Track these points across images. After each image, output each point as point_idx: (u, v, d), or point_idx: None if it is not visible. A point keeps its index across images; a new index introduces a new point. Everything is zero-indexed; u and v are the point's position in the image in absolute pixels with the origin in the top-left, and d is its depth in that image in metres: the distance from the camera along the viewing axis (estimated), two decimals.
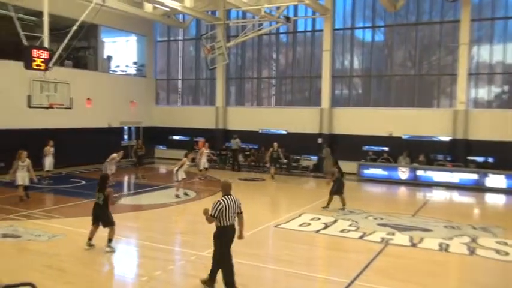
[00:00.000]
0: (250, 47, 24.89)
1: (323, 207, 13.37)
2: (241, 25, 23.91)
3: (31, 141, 16.20)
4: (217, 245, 6.93)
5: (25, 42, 15.65)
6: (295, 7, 22.62)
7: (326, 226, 11.51)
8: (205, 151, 19.12)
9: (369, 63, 22.28)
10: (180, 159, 15.43)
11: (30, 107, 15.23)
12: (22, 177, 13.01)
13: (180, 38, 26.96)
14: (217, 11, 24.34)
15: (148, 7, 22.29)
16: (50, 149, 16.80)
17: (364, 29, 22.31)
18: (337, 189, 13.44)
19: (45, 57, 14.99)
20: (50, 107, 15.77)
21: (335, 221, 12.02)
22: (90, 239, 9.11)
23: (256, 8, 20.06)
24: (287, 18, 21.28)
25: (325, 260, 9.60)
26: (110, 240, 9.06)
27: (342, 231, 11.08)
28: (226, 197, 6.95)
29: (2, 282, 4.81)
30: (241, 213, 7.17)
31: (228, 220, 6.85)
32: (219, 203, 6.82)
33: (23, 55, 14.93)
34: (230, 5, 20.83)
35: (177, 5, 20.18)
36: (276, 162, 20.03)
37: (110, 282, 7.82)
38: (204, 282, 7.14)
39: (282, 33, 24.20)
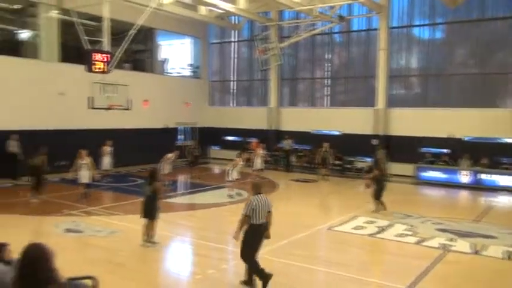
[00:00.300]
0: (303, 47, 24.72)
1: (373, 211, 13.04)
2: (294, 25, 23.79)
3: (91, 140, 16.95)
4: (249, 243, 7.02)
5: (87, 46, 16.39)
6: (349, 6, 22.20)
7: (381, 230, 11.19)
8: (260, 152, 19.18)
9: (427, 62, 21.44)
10: (233, 160, 15.56)
11: (91, 108, 15.97)
12: (83, 175, 13.53)
13: (233, 39, 27.25)
14: (270, 12, 24.38)
15: (203, 10, 22.69)
16: (107, 149, 17.43)
17: (422, 26, 21.52)
18: (380, 192, 13.07)
19: (105, 60, 15.66)
20: (110, 108, 16.47)
21: (391, 225, 11.66)
22: (146, 234, 9.35)
23: (309, 8, 19.87)
24: (341, 18, 20.94)
25: (379, 265, 9.32)
26: (151, 236, 9.28)
27: (398, 235, 10.72)
28: (257, 196, 7.12)
29: (65, 275, 5.02)
30: (271, 212, 7.27)
31: (259, 218, 7.01)
32: (251, 202, 7.00)
33: (84, 59, 15.68)
34: (283, 5, 20.79)
35: (230, 7, 20.41)
36: (326, 163, 19.76)
37: (165, 278, 8.00)
38: (244, 282, 7.18)
39: (335, 32, 23.85)
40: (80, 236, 10.08)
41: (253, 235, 7.04)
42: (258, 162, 18.86)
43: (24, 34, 19.74)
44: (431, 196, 17.87)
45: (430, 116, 20.44)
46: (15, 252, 3.91)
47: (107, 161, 17.41)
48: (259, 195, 7.15)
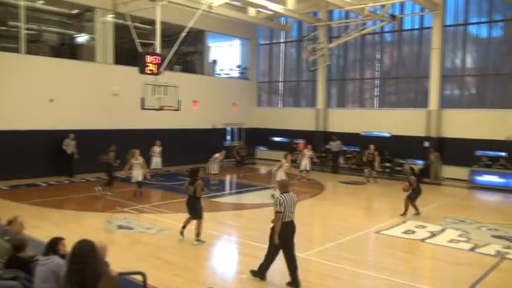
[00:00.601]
0: (352, 47, 24.33)
1: (415, 214, 12.71)
2: (344, 25, 23.47)
3: (142, 140, 17.47)
4: (278, 238, 7.12)
5: (140, 49, 16.92)
6: (402, 4, 21.63)
7: (433, 235, 10.81)
8: (307, 153, 19.02)
9: (485, 61, 20.51)
10: (280, 160, 15.54)
11: (143, 108, 16.46)
12: (137, 174, 13.85)
13: (282, 40, 27.26)
14: (320, 12, 24.18)
15: (252, 11, 22.85)
16: (156, 149, 17.82)
17: (480, 24, 20.61)
18: (415, 197, 12.73)
19: (157, 62, 16.10)
20: (161, 108, 16.91)
21: (443, 230, 11.25)
22: (183, 227, 9.71)
23: (360, 8, 19.53)
24: (393, 17, 20.44)
25: (431, 271, 9.00)
26: (197, 234, 9.46)
27: (451, 241, 10.32)
28: (285, 194, 7.23)
29: (116, 269, 5.19)
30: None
31: (287, 216, 7.14)
32: (281, 200, 7.11)
33: (137, 61, 16.19)
34: (333, 5, 20.56)
35: (279, 8, 20.41)
36: (371, 165, 19.33)
37: (211, 276, 8.10)
38: (289, 284, 7.22)
39: (386, 32, 23.30)
40: (131, 232, 10.41)
41: (284, 232, 7.13)
42: (305, 164, 18.75)
43: (81, 38, 20.64)
44: (487, 201, 17.06)
45: (487, 118, 19.53)
46: (70, 246, 4.08)
47: (156, 161, 17.84)
48: (286, 194, 7.25)
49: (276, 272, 7.60)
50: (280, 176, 14.78)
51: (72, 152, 17.74)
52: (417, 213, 12.75)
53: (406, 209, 12.71)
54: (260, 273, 7.45)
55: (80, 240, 3.90)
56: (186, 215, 9.77)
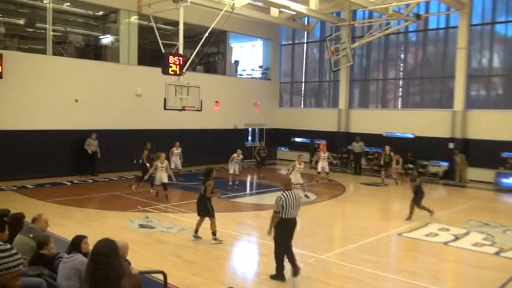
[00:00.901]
0: (375, 47, 24.05)
1: (430, 215, 12.36)
2: (367, 25, 23.23)
3: (165, 140, 17.66)
4: (280, 236, 7.45)
5: (163, 49, 17.09)
6: (427, 3, 21.28)
7: (456, 238, 10.62)
8: (323, 154, 18.76)
9: None
10: (293, 161, 15.56)
11: (166, 109, 16.62)
12: (162, 177, 13.74)
13: (304, 40, 27.16)
14: (343, 12, 24.00)
15: (274, 12, 22.82)
16: (175, 151, 17.60)
17: (508, 23, 20.08)
18: (419, 200, 12.40)
19: (180, 63, 16.24)
20: (183, 109, 17.03)
21: (467, 233, 11.03)
22: (196, 231, 9.77)
23: (384, 7, 19.30)
24: (417, 16, 20.15)
25: (454, 275, 8.84)
26: (213, 233, 9.54)
27: (475, 244, 10.11)
28: (286, 191, 7.47)
29: (137, 268, 5.27)
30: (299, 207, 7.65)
31: (289, 213, 7.36)
32: (280, 198, 7.37)
33: (161, 61, 16.36)
34: (356, 5, 20.38)
35: (302, 8, 20.33)
36: (388, 166, 19.12)
37: (230, 276, 8.13)
38: (273, 277, 7.53)
39: (411, 31, 22.95)
40: (152, 231, 10.53)
41: (284, 229, 7.42)
42: (321, 166, 18.46)
43: (106, 39, 21.00)
44: None
45: None
46: (92, 244, 4.15)
47: (176, 162, 17.62)
48: (288, 191, 7.48)
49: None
50: (295, 177, 14.62)
51: (94, 151, 17.98)
52: (431, 213, 12.40)
53: (410, 213, 12.37)
54: (278, 275, 7.52)
55: (101, 239, 3.96)
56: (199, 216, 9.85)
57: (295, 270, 7.46)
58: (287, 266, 7.51)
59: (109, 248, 3.90)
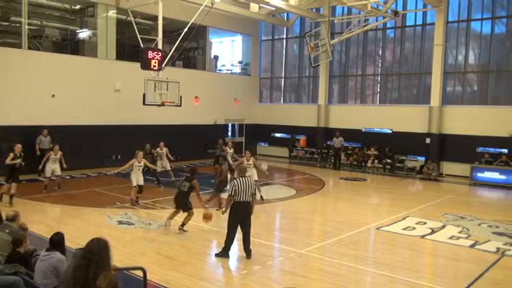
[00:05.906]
0: (354, 43, 24.27)
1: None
2: (346, 21, 23.39)
3: (144, 136, 17.48)
4: (231, 218, 8.26)
5: (142, 44, 16.89)
6: (404, 0, 21.55)
7: (433, 231, 10.83)
8: (229, 151, 16.70)
9: (488, 58, 20.44)
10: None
11: (145, 104, 16.44)
12: (137, 179, 12.69)
13: (284, 36, 27.20)
14: (322, 8, 24.11)
15: (254, 7, 22.77)
16: (159, 151, 16.14)
17: (483, 20, 20.51)
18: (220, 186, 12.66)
19: (159, 58, 16.08)
20: (162, 104, 16.87)
21: (443, 227, 11.26)
22: (170, 218, 10.27)
23: (363, 4, 19.45)
24: (395, 13, 20.38)
25: (431, 268, 9.02)
26: (183, 224, 9.98)
27: (451, 237, 10.34)
28: (240, 178, 8.24)
29: (116, 265, 5.22)
30: (255, 194, 8.43)
31: (241, 197, 8.09)
32: (233, 183, 8.21)
33: (140, 56, 16.17)
34: (335, 1, 20.48)
35: (282, 4, 20.34)
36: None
37: (212, 272, 8.13)
38: (217, 255, 8.43)
39: (389, 28, 23.24)
40: (131, 228, 10.43)
41: (235, 212, 8.18)
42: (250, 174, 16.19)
43: (83, 33, 20.62)
44: (488, 198, 17.05)
45: (489, 114, 19.51)
46: (70, 241, 4.11)
47: (162, 163, 16.60)
48: (242, 178, 8.23)
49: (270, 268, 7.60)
50: (250, 172, 12.85)
51: (45, 148, 16.19)
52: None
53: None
54: (223, 253, 8.38)
55: (93, 238, 4.00)
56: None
57: (247, 254, 8.32)
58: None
59: (98, 246, 3.96)
